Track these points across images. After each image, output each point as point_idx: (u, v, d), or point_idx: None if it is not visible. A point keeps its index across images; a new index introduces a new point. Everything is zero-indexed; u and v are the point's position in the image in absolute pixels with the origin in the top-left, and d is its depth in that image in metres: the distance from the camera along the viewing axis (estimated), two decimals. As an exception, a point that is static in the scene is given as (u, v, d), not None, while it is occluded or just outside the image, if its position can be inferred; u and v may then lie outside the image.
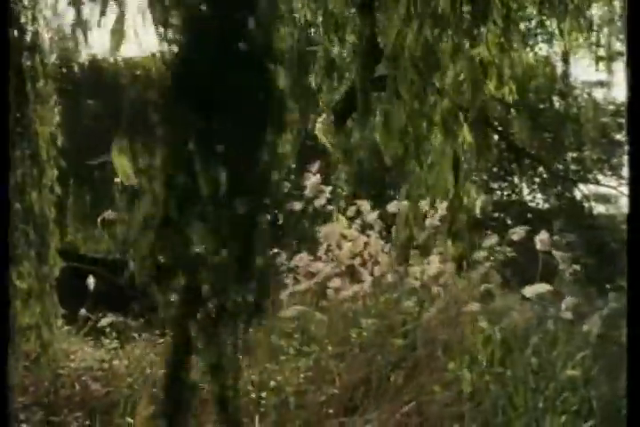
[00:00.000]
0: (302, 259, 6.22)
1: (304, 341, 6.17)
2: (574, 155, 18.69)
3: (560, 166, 20.44)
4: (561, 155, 17.75)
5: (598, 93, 17.71)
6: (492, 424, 4.86)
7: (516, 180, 21.57)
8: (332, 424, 4.72)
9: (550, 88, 12.43)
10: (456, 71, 4.37)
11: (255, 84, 2.74)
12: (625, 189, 20.40)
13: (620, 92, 18.25)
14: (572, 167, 20.46)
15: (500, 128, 13.85)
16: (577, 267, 6.62)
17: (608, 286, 19.24)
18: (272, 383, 5.37)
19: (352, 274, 6.21)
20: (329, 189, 6.48)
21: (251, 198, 2.71)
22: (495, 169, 20.94)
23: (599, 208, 21.15)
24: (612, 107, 17.93)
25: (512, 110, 13.30)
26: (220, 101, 2.70)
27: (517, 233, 5.83)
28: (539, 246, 5.71)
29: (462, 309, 5.68)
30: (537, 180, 21.17)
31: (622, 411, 5.30)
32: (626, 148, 15.37)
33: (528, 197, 21.96)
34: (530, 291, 5.31)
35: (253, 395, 5.40)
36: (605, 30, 13.20)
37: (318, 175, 6.59)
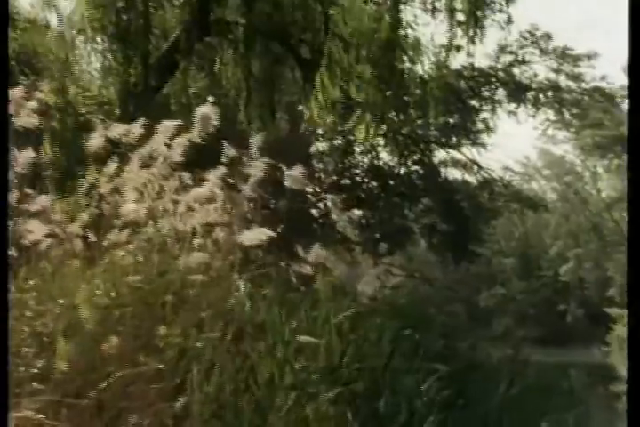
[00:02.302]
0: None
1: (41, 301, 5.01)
2: (432, 120, 17.95)
3: (420, 132, 19.87)
4: (409, 117, 17.04)
5: (456, 58, 17.08)
6: (222, 402, 3.90)
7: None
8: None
9: (392, 42, 11.51)
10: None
11: None
12: (478, 156, 19.97)
13: (475, 58, 17.67)
14: (433, 133, 19.93)
15: (343, 85, 12.91)
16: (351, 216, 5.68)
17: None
18: None
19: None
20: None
21: None
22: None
23: (455, 174, 20.72)
24: (467, 72, 17.34)
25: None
26: None
27: (256, 167, 4.81)
28: (287, 183, 4.72)
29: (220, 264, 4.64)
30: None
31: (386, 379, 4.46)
32: (482, 115, 14.63)
33: (391, 163, 21.32)
34: (247, 237, 4.31)
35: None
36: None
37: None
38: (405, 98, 18.11)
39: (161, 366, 3.75)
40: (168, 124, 4.21)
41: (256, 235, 4.27)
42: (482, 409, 4.99)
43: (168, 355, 3.75)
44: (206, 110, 4.23)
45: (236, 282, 4.52)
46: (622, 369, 26.96)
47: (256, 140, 5.28)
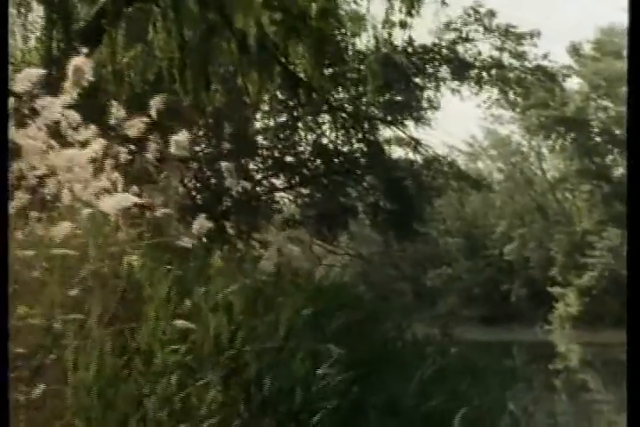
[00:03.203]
0: None
1: None
2: (370, 95, 17.49)
3: (364, 108, 19.42)
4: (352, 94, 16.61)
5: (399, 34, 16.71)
6: (91, 389, 3.43)
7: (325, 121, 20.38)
8: None
9: (331, 12, 11.04)
10: None
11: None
12: (423, 135, 19.63)
13: (417, 34, 17.29)
14: (377, 110, 19.51)
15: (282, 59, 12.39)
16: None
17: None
18: None
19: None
20: None
21: None
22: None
23: (399, 152, 20.34)
24: (410, 49, 16.93)
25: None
26: None
27: (133, 127, 4.31)
28: (173, 150, 4.24)
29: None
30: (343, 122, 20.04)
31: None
32: (426, 93, 14.09)
33: (338, 142, 20.80)
34: (109, 204, 3.81)
35: None
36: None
37: None
38: (348, 75, 17.70)
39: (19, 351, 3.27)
40: (31, 72, 3.61)
41: (118, 200, 3.76)
42: (395, 393, 4.60)
43: (27, 338, 3.27)
44: (79, 62, 3.69)
45: (122, 256, 4.03)
46: (562, 347, 27.23)
47: (155, 103, 4.78)
